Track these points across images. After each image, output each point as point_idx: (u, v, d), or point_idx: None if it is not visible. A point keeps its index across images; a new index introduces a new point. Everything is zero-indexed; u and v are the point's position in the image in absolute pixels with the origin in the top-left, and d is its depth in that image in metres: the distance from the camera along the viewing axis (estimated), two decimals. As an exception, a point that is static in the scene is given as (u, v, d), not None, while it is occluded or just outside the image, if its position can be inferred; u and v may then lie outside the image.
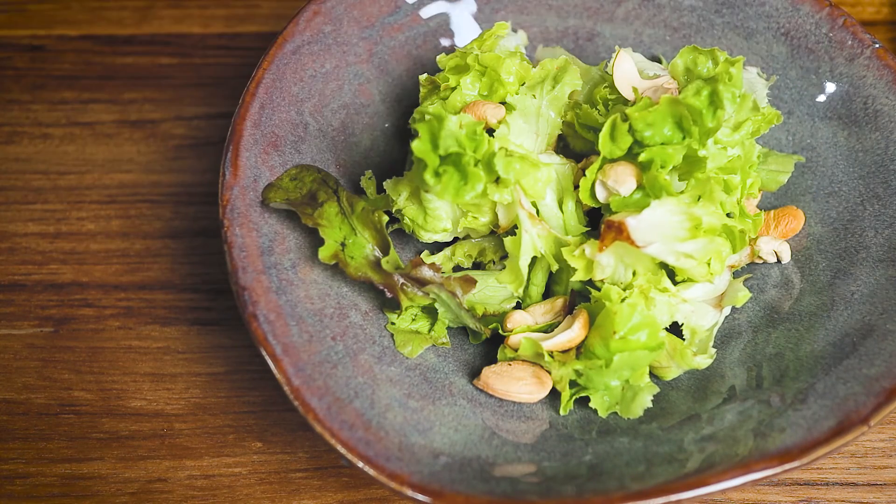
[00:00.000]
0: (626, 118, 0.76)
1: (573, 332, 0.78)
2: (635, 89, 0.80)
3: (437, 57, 0.86)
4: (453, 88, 0.83)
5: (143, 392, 0.89)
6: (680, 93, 0.78)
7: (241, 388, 0.89)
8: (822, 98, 0.89)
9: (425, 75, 0.87)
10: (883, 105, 0.85)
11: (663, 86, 0.79)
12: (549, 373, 0.80)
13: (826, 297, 0.82)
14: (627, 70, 0.81)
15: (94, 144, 1.03)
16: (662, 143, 0.75)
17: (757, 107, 0.79)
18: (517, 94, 0.82)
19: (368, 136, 0.92)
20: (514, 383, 0.79)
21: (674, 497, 0.67)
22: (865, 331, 0.77)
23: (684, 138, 0.75)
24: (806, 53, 0.89)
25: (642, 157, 0.75)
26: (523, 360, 0.81)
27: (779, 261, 0.86)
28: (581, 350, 0.78)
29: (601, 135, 0.77)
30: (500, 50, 0.85)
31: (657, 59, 0.94)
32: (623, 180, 0.76)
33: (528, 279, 0.83)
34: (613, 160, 0.78)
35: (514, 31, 0.95)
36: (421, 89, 0.87)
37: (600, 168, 0.78)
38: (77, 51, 1.09)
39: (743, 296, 0.80)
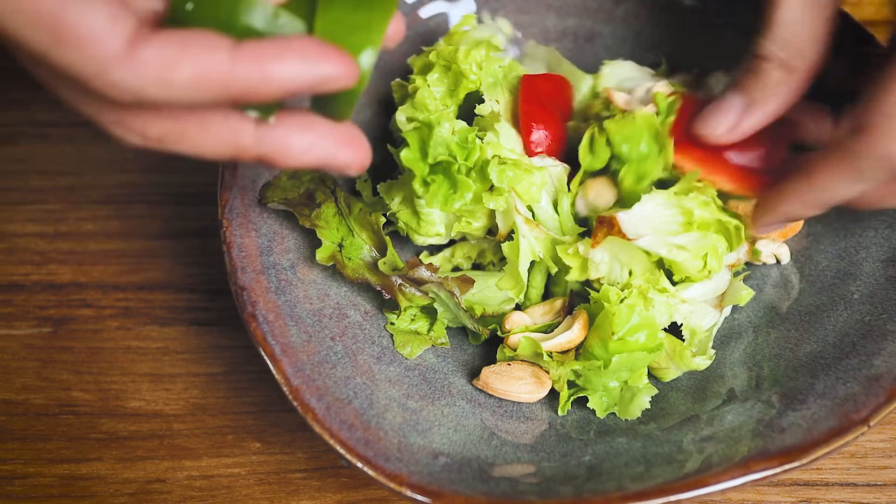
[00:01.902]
0: (603, 130, 0.77)
1: (573, 333, 0.78)
2: (616, 106, 0.80)
3: (408, 59, 0.86)
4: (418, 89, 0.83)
5: (142, 392, 0.89)
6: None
7: (240, 389, 0.89)
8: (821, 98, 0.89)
9: (396, 80, 0.87)
10: (883, 105, 0.85)
11: (649, 91, 0.80)
12: (549, 373, 0.80)
13: (826, 297, 0.82)
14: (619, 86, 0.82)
15: (92, 144, 1.03)
16: (640, 159, 0.76)
17: None
18: (480, 85, 0.82)
19: (367, 136, 0.91)
20: (514, 383, 0.79)
21: (673, 497, 0.67)
22: (865, 331, 0.77)
23: (660, 150, 0.76)
24: (806, 53, 0.89)
25: (621, 173, 0.77)
26: (522, 360, 0.81)
27: (778, 262, 0.86)
28: (580, 351, 0.78)
29: (580, 147, 0.78)
30: (467, 41, 0.85)
31: (657, 62, 0.94)
32: (603, 195, 0.77)
33: (528, 282, 0.83)
34: (594, 173, 0.79)
35: (493, 19, 0.94)
36: (394, 95, 0.87)
37: (581, 182, 0.79)
38: (76, 51, 1.09)
39: (746, 294, 0.80)
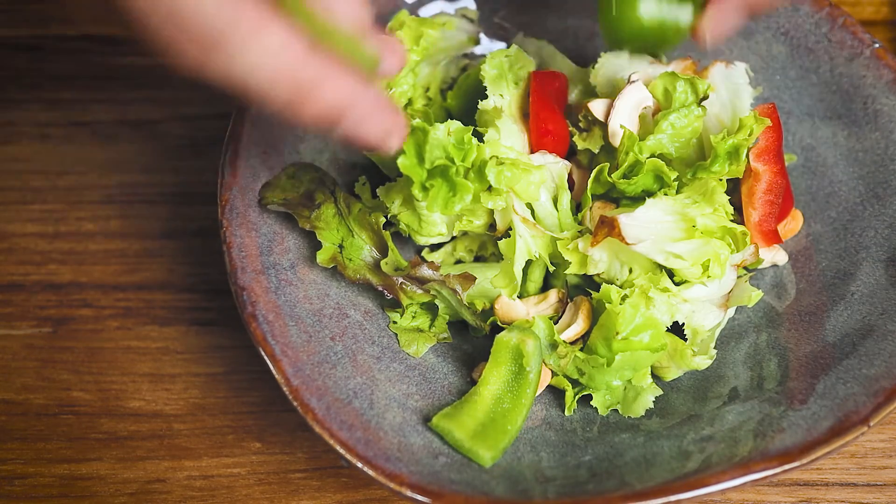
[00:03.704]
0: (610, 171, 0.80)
1: (579, 326, 0.79)
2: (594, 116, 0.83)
3: None
4: None
5: (142, 392, 0.89)
6: (656, 114, 0.81)
7: (240, 389, 0.89)
8: (822, 98, 0.89)
9: None
10: (883, 105, 0.85)
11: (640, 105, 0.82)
12: (550, 370, 0.80)
13: (826, 297, 0.82)
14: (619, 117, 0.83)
15: (92, 144, 1.03)
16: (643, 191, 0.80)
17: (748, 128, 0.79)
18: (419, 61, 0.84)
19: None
20: None
21: (673, 497, 0.67)
22: (865, 331, 0.77)
23: (661, 187, 0.79)
24: (806, 53, 0.89)
25: (622, 204, 0.81)
26: None
27: (775, 266, 0.86)
28: (584, 345, 0.78)
29: (590, 178, 0.80)
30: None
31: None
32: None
33: (526, 276, 0.83)
34: (599, 196, 0.82)
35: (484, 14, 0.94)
36: None
37: (590, 206, 0.81)
38: (76, 51, 1.09)
39: (755, 295, 0.80)
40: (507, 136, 0.81)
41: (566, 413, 0.79)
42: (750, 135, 0.78)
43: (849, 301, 0.80)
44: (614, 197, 0.82)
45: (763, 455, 0.69)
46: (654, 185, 0.79)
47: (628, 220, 0.75)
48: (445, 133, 0.74)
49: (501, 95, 0.82)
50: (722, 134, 0.78)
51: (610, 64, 0.85)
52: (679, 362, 0.79)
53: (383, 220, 0.81)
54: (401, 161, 0.74)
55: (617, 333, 0.74)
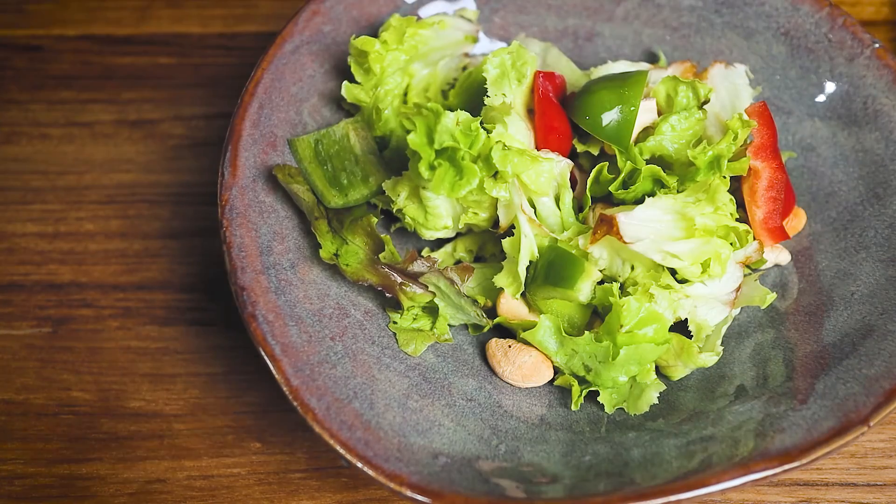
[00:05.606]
0: (610, 171, 0.81)
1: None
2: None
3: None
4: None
5: (142, 392, 0.89)
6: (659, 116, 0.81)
7: (240, 389, 0.89)
8: (821, 98, 0.89)
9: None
10: (883, 105, 0.85)
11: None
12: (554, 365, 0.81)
13: (826, 297, 0.82)
14: None
15: (92, 144, 1.03)
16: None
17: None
18: (387, 60, 0.85)
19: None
20: (509, 366, 0.80)
21: (673, 497, 0.67)
22: (865, 331, 0.77)
23: (661, 188, 0.79)
24: (806, 53, 0.89)
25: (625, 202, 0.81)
26: (525, 344, 0.81)
27: (777, 266, 0.86)
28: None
29: (589, 179, 0.81)
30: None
31: (655, 56, 0.94)
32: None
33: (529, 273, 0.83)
34: (599, 198, 0.83)
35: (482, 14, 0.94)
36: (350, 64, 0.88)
37: (591, 206, 0.82)
38: (75, 51, 1.09)
39: (770, 297, 0.80)
40: (515, 132, 0.81)
41: (573, 408, 0.79)
42: (735, 139, 0.78)
43: (849, 301, 0.80)
44: (616, 202, 0.82)
45: (763, 455, 0.69)
46: (653, 188, 0.79)
47: (626, 219, 0.75)
48: (455, 122, 0.74)
49: (504, 94, 0.82)
50: (702, 146, 0.78)
51: (610, 69, 0.85)
52: (686, 360, 0.79)
53: (376, 220, 0.81)
54: (411, 137, 0.74)
55: (621, 326, 0.75)
